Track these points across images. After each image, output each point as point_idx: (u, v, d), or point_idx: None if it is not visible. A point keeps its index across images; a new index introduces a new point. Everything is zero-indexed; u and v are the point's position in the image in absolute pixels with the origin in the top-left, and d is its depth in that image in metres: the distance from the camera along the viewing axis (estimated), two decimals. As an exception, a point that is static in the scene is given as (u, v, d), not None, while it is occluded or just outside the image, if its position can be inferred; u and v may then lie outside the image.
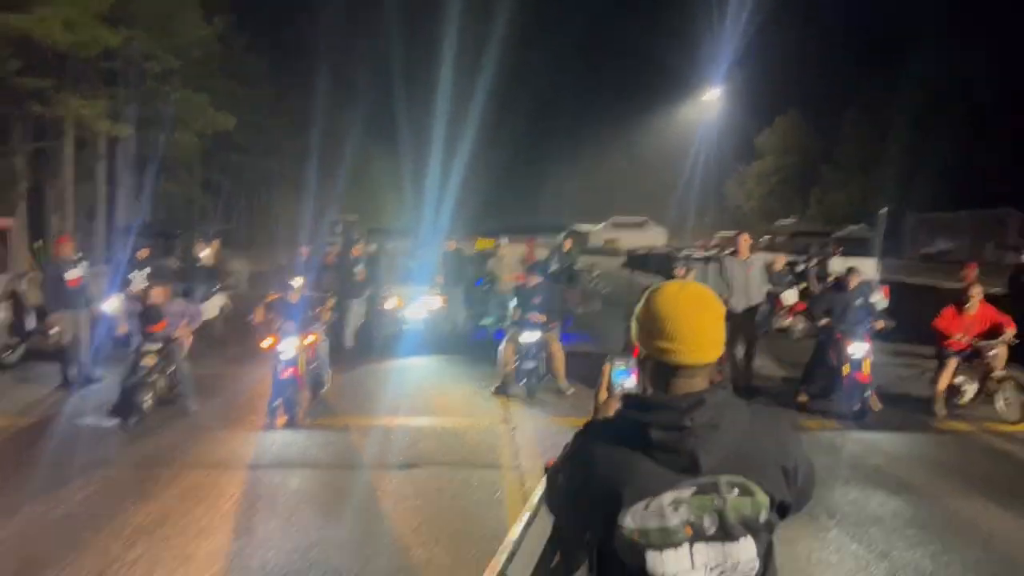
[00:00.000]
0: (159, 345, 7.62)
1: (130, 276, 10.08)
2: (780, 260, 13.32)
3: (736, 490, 1.59)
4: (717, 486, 1.58)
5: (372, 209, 38.34)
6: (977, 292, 8.06)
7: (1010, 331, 7.89)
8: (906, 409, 8.47)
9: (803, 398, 8.42)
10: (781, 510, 1.66)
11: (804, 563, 4.58)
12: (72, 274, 9.38)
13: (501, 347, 8.72)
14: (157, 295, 7.85)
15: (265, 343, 7.70)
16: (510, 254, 12.74)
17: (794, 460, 1.67)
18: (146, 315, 7.73)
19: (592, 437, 1.72)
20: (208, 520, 5.05)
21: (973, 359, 8.10)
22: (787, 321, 13.02)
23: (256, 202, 34.83)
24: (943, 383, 8.16)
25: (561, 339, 8.96)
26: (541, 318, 8.65)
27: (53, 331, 9.37)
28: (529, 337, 8.55)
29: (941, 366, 8.21)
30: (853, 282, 8.45)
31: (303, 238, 22.39)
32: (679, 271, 9.00)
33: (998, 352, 7.90)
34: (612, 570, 1.65)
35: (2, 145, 21.63)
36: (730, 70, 40.83)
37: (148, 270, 10.02)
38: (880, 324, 8.31)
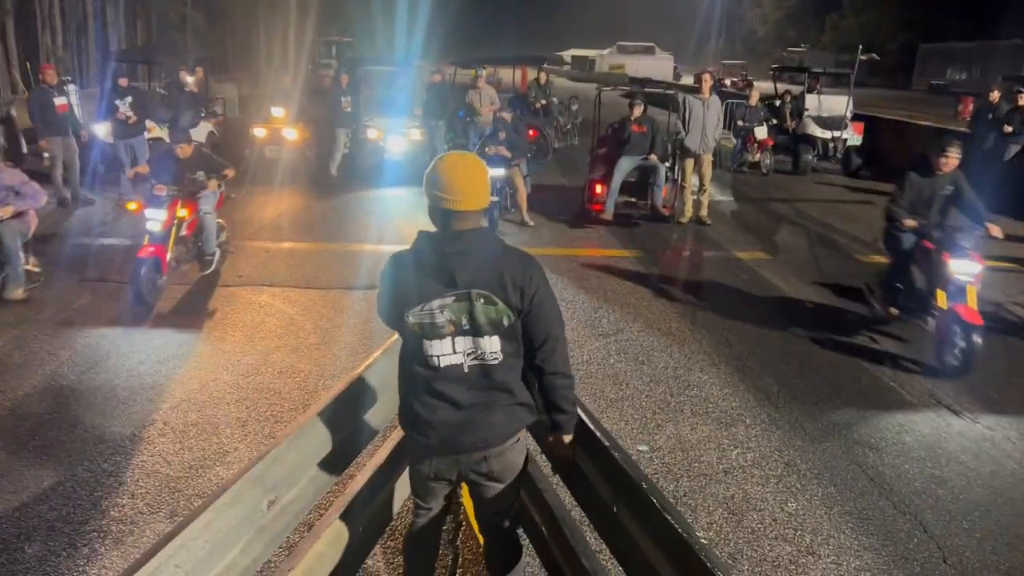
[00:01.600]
0: None
1: (116, 103, 10.41)
2: (755, 95, 13.50)
3: (482, 300, 2.24)
4: (470, 296, 2.24)
5: (366, 33, 37.25)
6: None
7: None
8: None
9: (892, 311, 6.00)
10: (521, 316, 2.30)
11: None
12: (59, 100, 9.77)
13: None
14: None
15: (131, 206, 6.47)
16: (487, 86, 12.85)
17: (529, 283, 2.27)
18: None
19: (394, 261, 2.38)
20: (189, 323, 5.87)
21: None
22: (757, 156, 13.38)
23: (251, 23, 33.97)
24: None
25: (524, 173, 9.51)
26: (506, 153, 9.12)
27: (46, 155, 9.93)
28: (494, 172, 9.02)
29: None
30: (948, 164, 5.53)
31: (287, 66, 22.10)
32: (636, 109, 9.30)
33: None
34: (407, 350, 2.39)
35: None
36: None
37: (130, 98, 10.35)
38: (997, 231, 5.45)
